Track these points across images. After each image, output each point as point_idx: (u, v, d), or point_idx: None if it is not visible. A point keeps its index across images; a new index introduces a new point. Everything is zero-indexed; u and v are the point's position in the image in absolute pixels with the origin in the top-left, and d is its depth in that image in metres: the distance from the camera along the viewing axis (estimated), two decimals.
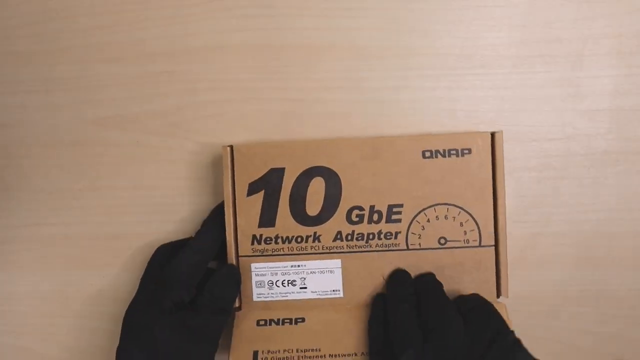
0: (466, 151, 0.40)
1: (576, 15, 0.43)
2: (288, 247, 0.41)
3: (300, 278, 0.41)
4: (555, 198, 0.43)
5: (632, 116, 0.43)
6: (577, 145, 0.43)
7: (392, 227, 0.40)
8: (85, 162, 0.46)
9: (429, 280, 0.39)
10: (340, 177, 0.41)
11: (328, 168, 0.41)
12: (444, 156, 0.40)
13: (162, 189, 0.46)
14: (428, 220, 0.40)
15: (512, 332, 0.33)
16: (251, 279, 0.41)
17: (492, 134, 0.40)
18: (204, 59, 0.44)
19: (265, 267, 0.41)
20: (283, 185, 0.41)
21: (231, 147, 0.41)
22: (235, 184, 0.41)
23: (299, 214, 0.41)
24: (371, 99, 0.43)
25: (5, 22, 0.46)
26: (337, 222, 0.41)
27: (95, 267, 0.46)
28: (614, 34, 0.42)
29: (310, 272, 0.41)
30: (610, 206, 0.43)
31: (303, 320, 0.41)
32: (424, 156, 0.40)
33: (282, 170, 0.41)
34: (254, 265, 0.41)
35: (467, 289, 0.40)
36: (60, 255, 0.47)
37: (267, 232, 0.41)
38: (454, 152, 0.40)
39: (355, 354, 0.39)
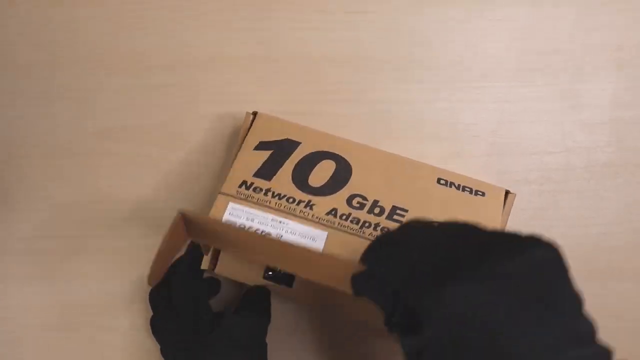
0: (480, 193, 0.40)
1: (576, 28, 0.43)
2: (276, 203, 0.39)
3: (277, 234, 0.37)
4: (556, 211, 0.43)
5: (631, 128, 0.43)
6: (577, 158, 0.43)
7: (392, 225, 0.39)
8: (85, 173, 0.46)
9: None
10: (352, 168, 0.40)
11: (343, 157, 0.40)
12: (457, 189, 0.40)
13: (162, 200, 0.45)
14: None
15: None
16: (222, 217, 0.38)
17: (507, 193, 0.40)
18: (203, 70, 0.44)
19: (242, 210, 0.38)
20: (294, 153, 0.40)
21: (255, 113, 0.41)
22: (245, 140, 0.41)
23: (300, 180, 0.39)
24: (371, 111, 0.43)
25: (5, 33, 0.46)
26: (336, 200, 0.39)
27: (94, 279, 0.46)
28: (614, 46, 0.43)
29: (291, 232, 0.38)
30: (610, 219, 0.43)
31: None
32: (438, 182, 0.40)
33: (298, 143, 0.40)
34: (231, 205, 0.38)
35: None
36: (59, 266, 0.46)
37: (260, 183, 0.39)
38: (467, 189, 0.40)
39: None
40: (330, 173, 0.40)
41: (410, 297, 0.26)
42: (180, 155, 0.45)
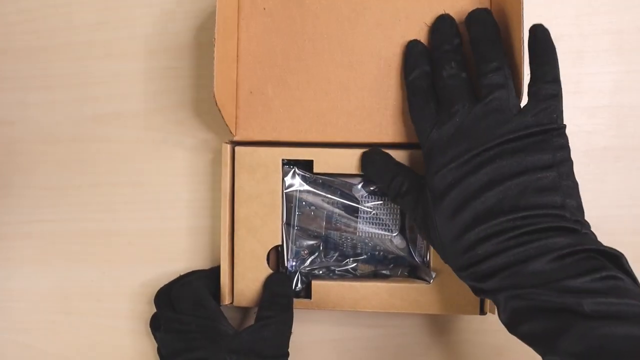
0: None
1: (577, 12, 0.43)
2: None
3: None
4: None
5: (632, 113, 0.43)
6: (577, 142, 0.43)
7: None
8: (85, 159, 0.46)
9: (481, 21, 0.37)
10: None
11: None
12: None
13: (162, 185, 0.46)
14: None
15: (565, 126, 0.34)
16: None
17: None
18: (204, 55, 0.44)
19: None
20: None
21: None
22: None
23: None
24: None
25: (4, 18, 0.46)
26: None
27: (95, 263, 0.46)
28: (615, 31, 0.42)
29: None
30: (611, 203, 0.43)
31: None
32: None
33: None
34: None
35: None
36: (60, 251, 0.47)
37: None
38: None
39: None
40: None
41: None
42: (181, 140, 0.45)
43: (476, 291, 0.34)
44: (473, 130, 0.33)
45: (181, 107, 0.45)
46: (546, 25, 0.42)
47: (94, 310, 0.47)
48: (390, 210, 0.41)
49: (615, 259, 0.31)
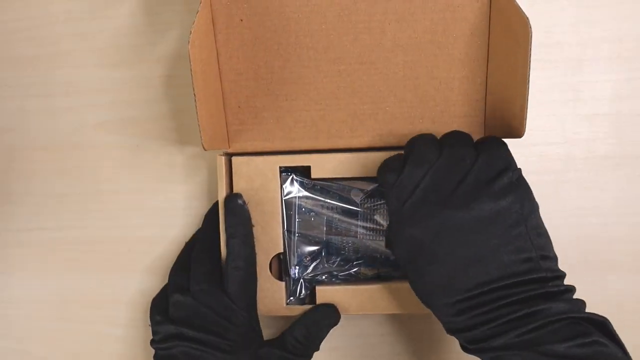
0: None
1: (576, 20, 0.43)
2: None
3: None
4: (556, 202, 0.43)
5: (632, 120, 0.43)
6: (577, 149, 0.43)
7: None
8: (85, 166, 0.46)
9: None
10: None
11: None
12: None
13: (162, 192, 0.46)
14: None
15: (520, 169, 0.34)
16: None
17: None
18: None
19: None
20: None
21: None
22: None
23: None
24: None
25: (4, 26, 0.46)
26: None
27: (94, 270, 0.46)
28: (614, 38, 0.42)
29: None
30: (610, 211, 0.43)
31: None
32: None
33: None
34: None
35: None
36: (59, 258, 0.47)
37: None
38: None
39: None
40: None
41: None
42: (180, 147, 0.45)
43: (462, 347, 0.35)
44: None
45: (180, 115, 0.45)
46: (545, 33, 0.43)
47: (92, 317, 0.47)
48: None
49: (601, 325, 0.31)
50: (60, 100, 0.46)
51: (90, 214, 0.46)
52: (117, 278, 0.46)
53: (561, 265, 0.33)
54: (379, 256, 0.42)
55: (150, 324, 0.40)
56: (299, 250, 0.41)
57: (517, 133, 0.35)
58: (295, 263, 0.41)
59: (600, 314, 0.32)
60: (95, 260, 0.46)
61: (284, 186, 0.40)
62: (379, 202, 0.41)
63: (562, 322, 0.31)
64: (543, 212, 0.34)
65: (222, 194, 0.39)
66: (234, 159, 0.40)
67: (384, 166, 0.36)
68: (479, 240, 0.32)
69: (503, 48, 0.36)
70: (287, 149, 0.40)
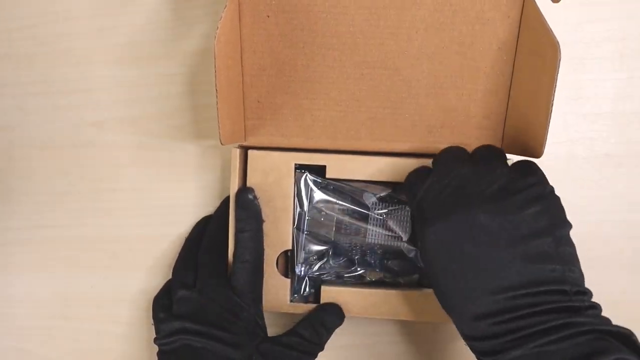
0: None
1: (578, 19, 0.42)
2: None
3: None
4: None
5: (634, 119, 0.43)
6: (579, 148, 0.43)
7: None
8: (85, 164, 0.46)
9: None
10: None
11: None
12: None
13: (163, 191, 0.45)
14: None
15: (552, 187, 0.34)
16: None
17: None
18: (204, 61, 0.44)
19: None
20: None
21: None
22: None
23: None
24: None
25: (4, 24, 0.46)
26: None
27: (95, 269, 0.46)
28: (616, 37, 0.42)
29: None
30: (612, 209, 0.43)
31: None
32: None
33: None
34: None
35: None
36: (60, 257, 0.47)
37: None
38: None
39: None
40: None
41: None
42: (181, 146, 0.45)
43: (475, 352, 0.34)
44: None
45: (181, 113, 0.45)
46: None
47: (93, 316, 0.47)
48: (400, 218, 0.41)
49: (625, 338, 0.31)
50: (60, 98, 0.46)
51: (91, 213, 0.46)
52: (118, 276, 0.46)
53: None
54: (386, 261, 0.42)
55: (152, 322, 0.40)
56: (306, 248, 0.41)
57: (536, 153, 0.35)
58: (302, 261, 0.41)
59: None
60: (96, 258, 0.46)
61: (296, 183, 0.40)
62: (391, 208, 0.41)
63: (587, 335, 0.30)
64: None
65: (234, 186, 0.39)
66: (250, 152, 0.40)
67: (415, 170, 0.37)
68: (503, 245, 0.31)
69: (529, 67, 0.36)
70: (303, 146, 0.40)
